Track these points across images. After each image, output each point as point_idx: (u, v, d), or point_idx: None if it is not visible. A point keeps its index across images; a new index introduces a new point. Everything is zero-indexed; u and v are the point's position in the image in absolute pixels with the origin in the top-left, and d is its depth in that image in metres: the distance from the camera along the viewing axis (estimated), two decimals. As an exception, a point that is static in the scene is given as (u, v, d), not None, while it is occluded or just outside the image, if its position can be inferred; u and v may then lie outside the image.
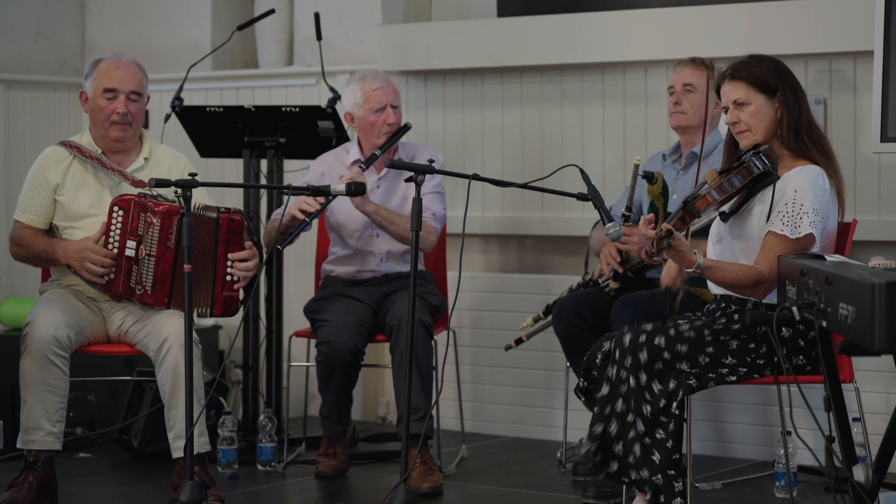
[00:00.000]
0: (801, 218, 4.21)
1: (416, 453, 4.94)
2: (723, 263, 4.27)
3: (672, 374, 4.20)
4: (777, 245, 4.20)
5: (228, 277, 4.83)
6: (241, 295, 4.91)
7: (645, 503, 4.22)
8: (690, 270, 4.20)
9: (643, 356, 4.22)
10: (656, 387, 4.20)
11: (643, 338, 4.24)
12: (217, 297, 4.82)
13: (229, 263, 4.82)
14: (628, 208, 5.08)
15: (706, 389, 4.27)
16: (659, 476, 4.19)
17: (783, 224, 4.22)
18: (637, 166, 5.01)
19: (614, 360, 4.28)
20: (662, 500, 4.19)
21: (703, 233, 4.57)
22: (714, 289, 4.45)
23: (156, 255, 4.77)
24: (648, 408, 4.19)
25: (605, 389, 4.30)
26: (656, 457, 4.19)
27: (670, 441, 4.19)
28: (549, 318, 5.33)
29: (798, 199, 4.23)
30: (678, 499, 4.19)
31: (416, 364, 5.05)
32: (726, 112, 4.40)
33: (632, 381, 4.22)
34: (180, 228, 4.66)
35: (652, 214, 4.25)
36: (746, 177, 4.27)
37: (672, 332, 4.26)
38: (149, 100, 5.09)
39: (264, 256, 4.94)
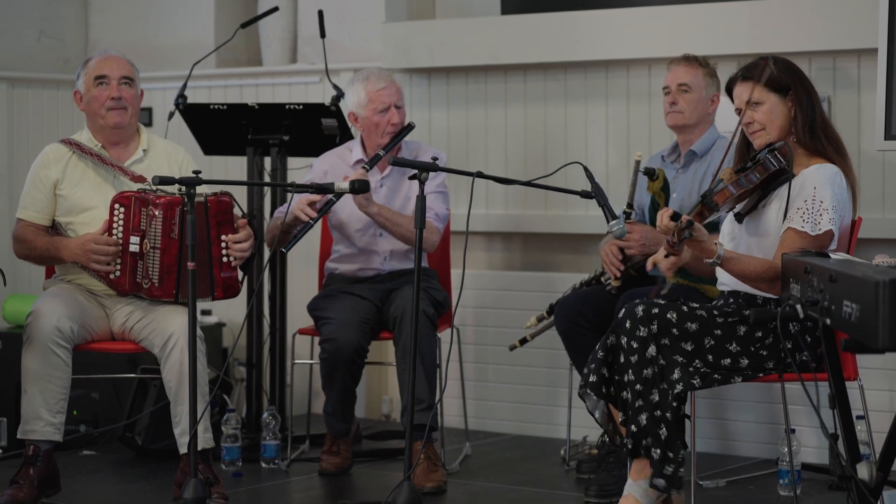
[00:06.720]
0: (820, 215, 4.23)
1: (420, 448, 4.93)
2: (743, 256, 4.28)
3: (677, 358, 4.18)
4: (797, 241, 4.21)
5: (224, 259, 4.84)
6: (240, 275, 4.92)
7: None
8: (711, 261, 4.20)
9: (654, 327, 4.21)
10: (662, 361, 4.19)
11: (656, 309, 4.24)
12: (216, 279, 4.83)
13: (224, 245, 4.83)
14: (629, 205, 5.08)
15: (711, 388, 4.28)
16: (658, 450, 4.19)
17: (804, 221, 4.23)
18: (638, 163, 5.01)
19: (625, 329, 4.26)
20: (653, 473, 4.20)
21: (711, 227, 4.57)
22: (721, 285, 4.45)
23: (160, 247, 4.77)
24: (661, 379, 4.18)
25: (620, 358, 4.29)
26: (662, 431, 4.19)
27: (673, 429, 4.18)
28: (553, 317, 5.32)
29: (818, 197, 4.24)
30: (661, 480, 4.19)
31: (419, 355, 5.04)
32: (739, 114, 4.40)
33: (646, 351, 4.21)
34: (183, 218, 4.66)
35: (671, 209, 4.24)
36: (762, 174, 4.28)
37: (685, 308, 4.27)
38: (143, 94, 5.12)
39: (270, 248, 4.92)
